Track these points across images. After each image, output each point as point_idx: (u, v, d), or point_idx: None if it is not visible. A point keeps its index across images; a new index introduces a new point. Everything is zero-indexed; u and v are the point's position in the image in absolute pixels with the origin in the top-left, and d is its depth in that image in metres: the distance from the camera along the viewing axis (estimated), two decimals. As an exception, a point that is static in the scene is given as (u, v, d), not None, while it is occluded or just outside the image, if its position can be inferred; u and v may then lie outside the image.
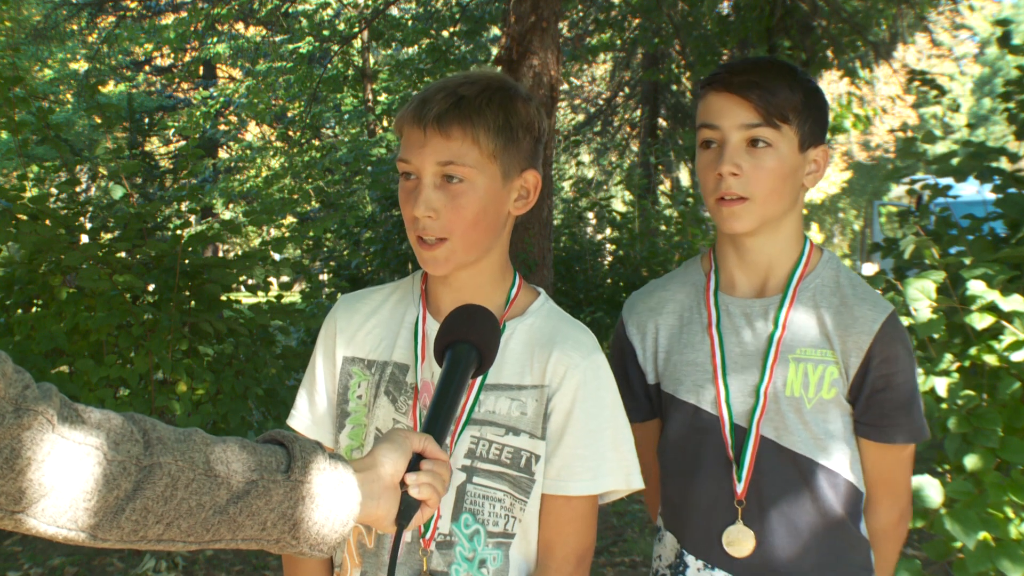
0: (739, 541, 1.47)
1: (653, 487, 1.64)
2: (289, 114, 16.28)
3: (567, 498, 1.29)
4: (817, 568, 1.47)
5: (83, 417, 0.87)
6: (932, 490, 2.54)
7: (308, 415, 1.42)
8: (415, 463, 1.05)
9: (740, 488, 1.46)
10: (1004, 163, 3.56)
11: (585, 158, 18.22)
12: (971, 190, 3.64)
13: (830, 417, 1.46)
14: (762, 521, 1.47)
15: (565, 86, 15.78)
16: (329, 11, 14.89)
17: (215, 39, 16.54)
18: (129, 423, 0.89)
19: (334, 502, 0.97)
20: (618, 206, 12.56)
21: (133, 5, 16.88)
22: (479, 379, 1.31)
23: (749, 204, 1.43)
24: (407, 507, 1.04)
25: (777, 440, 1.46)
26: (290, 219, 14.72)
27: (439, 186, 1.27)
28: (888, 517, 1.53)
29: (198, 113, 16.01)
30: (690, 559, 1.52)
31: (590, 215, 10.82)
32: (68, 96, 18.35)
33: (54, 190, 4.85)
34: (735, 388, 1.48)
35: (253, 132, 19.57)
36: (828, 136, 1.63)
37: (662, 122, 15.82)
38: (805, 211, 1.63)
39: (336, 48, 14.14)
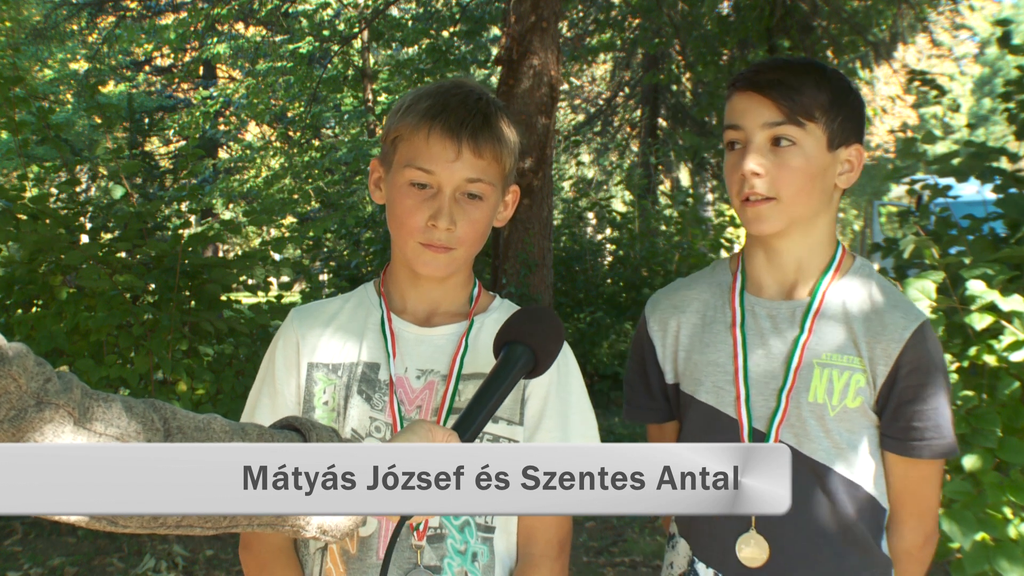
0: (753, 550, 1.42)
1: None
2: (289, 114, 16.26)
3: None
4: None
5: (104, 407, 0.88)
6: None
7: None
8: None
9: None
10: (1004, 163, 3.56)
11: (585, 158, 18.20)
12: (971, 190, 3.64)
13: (854, 427, 1.41)
14: (778, 530, 1.41)
15: (565, 86, 15.77)
16: (329, 11, 14.86)
17: (215, 39, 16.49)
18: (150, 411, 0.92)
19: None
20: (618, 206, 12.54)
21: (133, 5, 16.87)
22: (456, 370, 1.34)
23: (775, 204, 1.39)
24: None
25: (797, 447, 1.40)
26: (290, 219, 14.74)
27: (458, 199, 1.31)
28: (912, 539, 1.46)
29: (198, 113, 15.99)
30: (700, 567, 1.48)
31: (590, 215, 10.82)
32: (68, 96, 18.32)
33: (54, 190, 4.86)
34: (756, 391, 1.44)
35: (253, 132, 19.54)
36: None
37: (662, 122, 15.80)
38: (842, 214, 1.60)
39: (336, 48, 14.12)
